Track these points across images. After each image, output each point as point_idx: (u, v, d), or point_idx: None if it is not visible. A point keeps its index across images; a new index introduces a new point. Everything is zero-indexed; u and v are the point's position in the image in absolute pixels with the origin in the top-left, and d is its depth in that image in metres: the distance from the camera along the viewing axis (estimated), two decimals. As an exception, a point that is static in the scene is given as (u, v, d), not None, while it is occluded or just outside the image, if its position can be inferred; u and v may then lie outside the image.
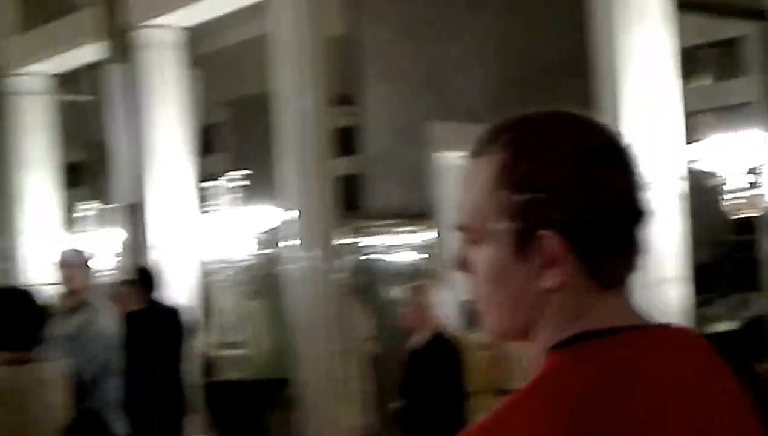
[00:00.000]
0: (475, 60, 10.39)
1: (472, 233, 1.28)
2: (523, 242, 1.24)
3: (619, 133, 1.29)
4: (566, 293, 1.23)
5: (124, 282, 8.28)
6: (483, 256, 1.27)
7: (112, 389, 6.22)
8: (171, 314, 8.17)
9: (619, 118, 6.85)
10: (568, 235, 1.22)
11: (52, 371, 4.31)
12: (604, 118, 6.32)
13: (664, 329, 1.27)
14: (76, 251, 5.64)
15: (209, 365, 9.67)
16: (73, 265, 5.29)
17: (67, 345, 5.48)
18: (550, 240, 1.22)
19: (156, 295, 8.06)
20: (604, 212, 1.23)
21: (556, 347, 1.22)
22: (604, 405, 1.16)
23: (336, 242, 8.42)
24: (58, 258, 5.34)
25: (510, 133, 1.26)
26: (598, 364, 1.19)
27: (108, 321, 5.96)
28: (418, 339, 6.22)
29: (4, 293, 4.39)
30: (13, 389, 4.06)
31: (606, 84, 7.01)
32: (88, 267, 5.39)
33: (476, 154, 1.28)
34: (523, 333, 1.26)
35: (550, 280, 1.23)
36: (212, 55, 11.10)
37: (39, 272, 11.18)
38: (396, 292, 6.24)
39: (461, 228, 1.30)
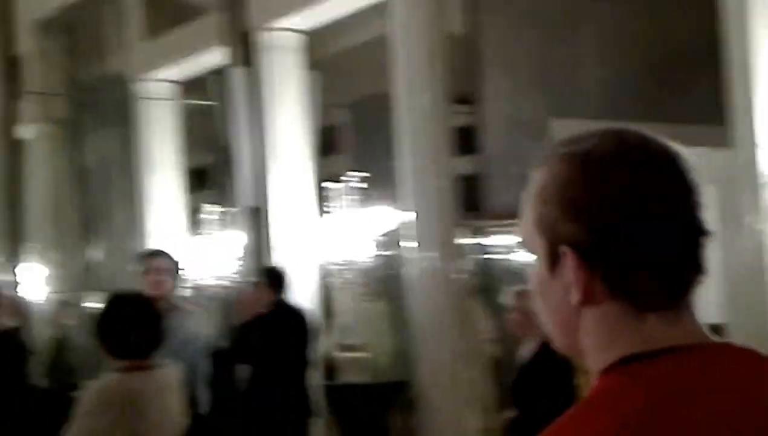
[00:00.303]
0: (596, 53, 10.14)
1: (526, 246, 1.28)
2: (554, 258, 1.23)
3: (669, 151, 1.22)
4: (596, 313, 1.21)
5: (252, 284, 8.31)
6: (532, 269, 1.27)
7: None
8: (298, 316, 8.18)
9: (753, 114, 6.54)
10: (587, 254, 1.20)
11: (169, 377, 4.30)
12: (736, 114, 6.06)
13: (722, 348, 1.21)
14: (165, 254, 5.55)
15: (330, 368, 9.65)
16: (163, 269, 5.24)
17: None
18: (567, 258, 1.21)
19: (283, 297, 8.07)
20: (633, 234, 1.19)
21: (603, 371, 1.20)
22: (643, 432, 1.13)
23: (456, 242, 8.31)
24: (147, 263, 5.26)
25: (556, 148, 1.26)
26: (643, 388, 1.16)
27: (199, 326, 5.93)
28: (526, 349, 6.07)
29: (122, 300, 4.38)
30: (132, 396, 4.06)
31: (738, 75, 6.65)
32: (177, 271, 5.32)
33: (535, 167, 1.28)
34: (577, 350, 1.25)
35: (574, 297, 1.21)
36: (332, 58, 11.12)
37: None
38: (506, 296, 6.04)
39: (521, 241, 1.30)
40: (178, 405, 4.33)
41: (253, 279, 8.45)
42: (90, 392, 4.09)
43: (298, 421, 8.11)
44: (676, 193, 1.20)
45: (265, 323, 7.90)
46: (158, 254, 5.63)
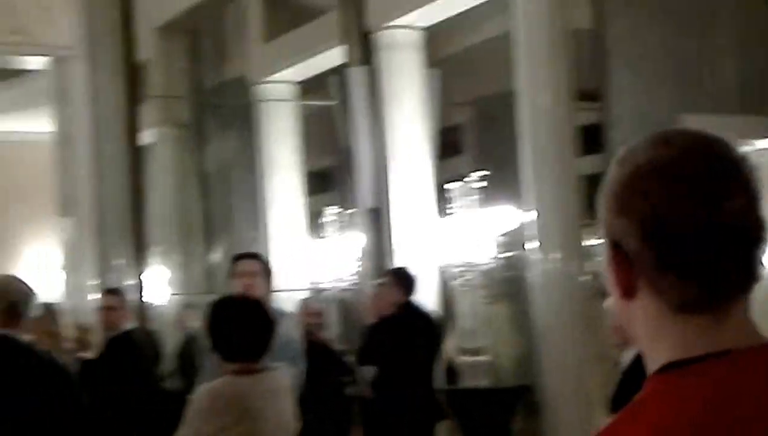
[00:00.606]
0: (728, 45, 9.71)
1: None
2: (610, 254, 1.25)
3: (722, 154, 1.21)
4: (639, 309, 1.23)
5: (380, 285, 8.24)
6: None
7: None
8: (425, 318, 8.08)
9: None
10: (627, 250, 1.21)
11: (280, 380, 4.20)
12: None
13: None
14: (256, 256, 5.41)
15: (451, 372, 9.50)
16: (252, 272, 5.12)
17: None
18: (610, 252, 1.24)
19: (411, 298, 7.96)
20: (664, 233, 1.19)
21: (652, 374, 1.22)
22: None
23: (580, 243, 8.10)
24: (236, 266, 5.14)
25: (628, 146, 1.26)
26: (679, 396, 1.17)
27: (293, 328, 5.77)
28: (625, 357, 5.82)
29: (233, 302, 4.30)
30: (242, 400, 3.97)
31: None
32: (269, 274, 5.18)
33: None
34: (640, 348, 1.26)
35: (617, 292, 1.24)
36: (454, 56, 10.98)
37: (286, 277, 11.40)
38: (606, 301, 5.80)
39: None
40: (289, 409, 4.22)
41: (381, 280, 8.36)
42: (200, 396, 4.02)
43: (424, 424, 7.99)
44: (719, 195, 1.19)
45: (393, 325, 7.82)
46: (248, 256, 5.50)
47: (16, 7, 10.09)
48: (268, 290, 5.09)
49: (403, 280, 8.04)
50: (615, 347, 8.26)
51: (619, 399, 5.77)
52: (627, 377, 5.69)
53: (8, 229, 15.00)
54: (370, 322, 8.38)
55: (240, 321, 4.12)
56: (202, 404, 3.99)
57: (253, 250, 11.88)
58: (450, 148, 10.90)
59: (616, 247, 1.22)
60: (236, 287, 5.02)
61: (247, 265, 5.17)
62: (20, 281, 3.73)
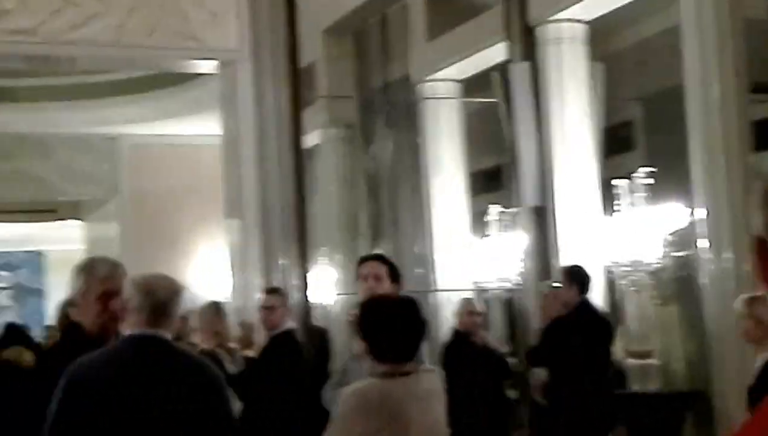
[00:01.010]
0: None
1: None
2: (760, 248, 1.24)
3: None
4: None
5: (555, 285, 8.12)
6: None
7: None
8: (600, 318, 7.90)
9: None
10: None
11: (432, 382, 4.10)
12: None
13: None
14: (381, 258, 5.28)
15: (619, 375, 9.23)
16: (379, 275, 5.01)
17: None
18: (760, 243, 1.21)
19: (586, 298, 7.79)
20: None
21: None
22: None
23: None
24: (361, 268, 5.04)
25: None
26: None
27: None
28: (758, 361, 5.52)
29: (387, 303, 4.22)
30: (391, 402, 3.90)
31: None
32: (397, 276, 5.06)
33: None
34: None
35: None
36: (621, 51, 10.70)
37: (451, 277, 11.33)
38: (737, 303, 5.54)
39: None
40: (439, 413, 4.12)
41: (555, 280, 8.22)
42: (347, 397, 3.97)
43: (598, 430, 7.79)
44: None
45: (567, 326, 7.68)
46: (373, 258, 5.43)
47: (186, 14, 10.34)
48: (395, 293, 5.00)
49: (578, 279, 7.88)
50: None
51: (753, 401, 5.53)
52: (761, 380, 5.47)
53: (181, 229, 15.46)
54: (543, 323, 8.24)
55: (392, 322, 4.05)
56: (349, 406, 3.94)
57: (417, 250, 11.91)
58: (619, 145, 10.61)
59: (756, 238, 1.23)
60: (361, 289, 4.97)
61: (371, 267, 5.11)
62: (169, 279, 3.74)
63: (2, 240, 21.48)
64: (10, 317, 20.16)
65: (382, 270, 5.05)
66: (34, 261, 23.39)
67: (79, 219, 18.38)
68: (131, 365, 3.55)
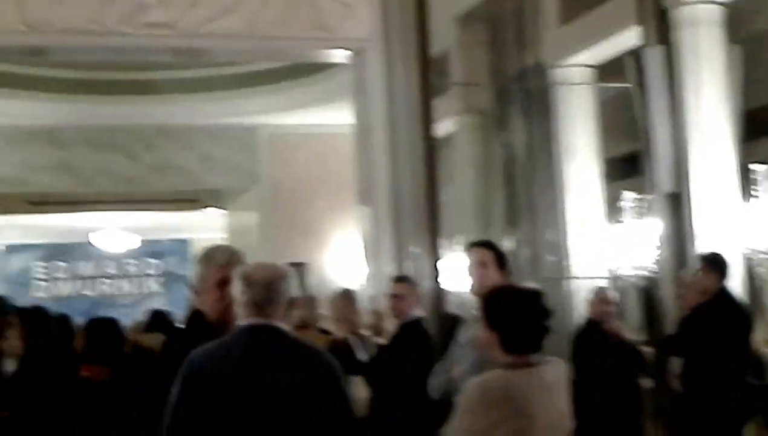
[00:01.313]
0: None
1: None
2: None
3: None
4: None
5: (693, 272, 7.98)
6: None
7: None
8: (740, 307, 7.75)
9: None
10: None
11: (556, 374, 4.06)
12: None
13: None
14: (488, 245, 5.18)
15: (758, 366, 8.96)
16: (484, 262, 4.93)
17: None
18: None
19: (726, 285, 7.62)
20: None
21: None
22: None
23: None
24: (468, 255, 4.96)
25: None
26: None
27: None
28: None
29: (514, 293, 4.18)
30: (515, 394, 3.87)
31: None
32: (504, 264, 4.96)
33: None
34: None
35: None
36: (760, 32, 10.35)
37: (585, 264, 11.19)
38: None
39: None
40: (563, 405, 4.08)
41: (695, 267, 8.05)
42: (471, 389, 3.94)
43: (735, 421, 7.61)
44: None
45: (707, 314, 7.52)
46: (480, 245, 5.35)
47: (319, 4, 10.46)
48: (502, 280, 4.94)
49: (717, 267, 7.73)
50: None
51: None
52: None
53: (316, 218, 15.66)
54: (683, 312, 8.08)
55: (521, 313, 4.02)
56: (473, 399, 3.91)
57: (550, 237, 11.78)
58: (759, 129, 10.29)
59: None
60: (471, 277, 4.92)
61: (478, 254, 5.06)
62: (270, 267, 3.74)
63: (151, 228, 22.17)
64: (159, 303, 20.85)
65: (488, 257, 5.01)
66: (181, 249, 24.06)
67: (221, 208, 18.81)
68: (243, 355, 3.57)
